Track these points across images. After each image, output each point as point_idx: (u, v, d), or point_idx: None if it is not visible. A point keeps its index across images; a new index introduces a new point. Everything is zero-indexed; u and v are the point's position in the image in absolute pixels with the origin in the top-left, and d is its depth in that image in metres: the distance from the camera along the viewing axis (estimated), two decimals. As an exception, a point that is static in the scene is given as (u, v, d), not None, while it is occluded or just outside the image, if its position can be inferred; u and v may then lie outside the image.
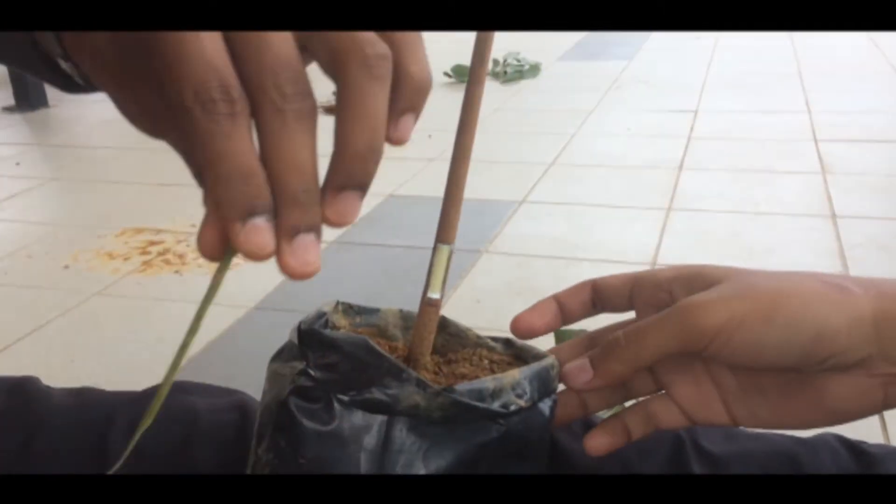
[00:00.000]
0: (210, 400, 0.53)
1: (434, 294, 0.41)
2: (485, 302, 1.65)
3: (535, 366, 0.40)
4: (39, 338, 1.61)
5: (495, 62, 3.83)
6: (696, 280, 0.39)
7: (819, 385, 0.37)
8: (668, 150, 2.60)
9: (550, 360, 0.41)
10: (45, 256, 1.99)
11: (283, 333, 0.41)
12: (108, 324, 1.65)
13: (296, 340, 0.40)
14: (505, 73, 3.76)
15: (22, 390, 0.52)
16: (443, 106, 3.55)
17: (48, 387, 0.55)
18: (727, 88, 3.38)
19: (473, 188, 2.30)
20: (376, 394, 0.36)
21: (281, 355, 0.41)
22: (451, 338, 0.45)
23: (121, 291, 1.80)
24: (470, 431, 0.37)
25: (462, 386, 0.36)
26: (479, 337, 0.45)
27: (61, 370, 1.48)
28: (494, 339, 0.45)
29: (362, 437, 0.36)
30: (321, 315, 0.41)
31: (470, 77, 0.40)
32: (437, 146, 2.71)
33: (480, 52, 0.38)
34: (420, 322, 0.41)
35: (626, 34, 4.48)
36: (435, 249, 0.41)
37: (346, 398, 0.36)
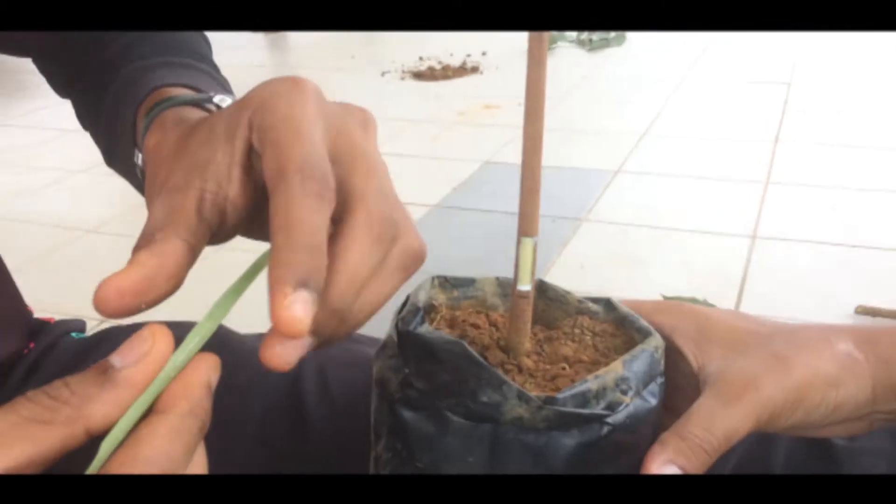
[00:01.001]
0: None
1: (524, 286, 0.40)
2: (588, 268, 1.63)
3: (637, 354, 0.39)
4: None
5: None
6: (702, 333, 0.42)
7: (813, 430, 0.41)
8: (762, 122, 2.50)
9: (655, 340, 0.40)
10: None
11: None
12: (232, 274, 1.72)
13: (395, 338, 0.40)
14: (591, 40, 3.68)
15: (215, 333, 0.59)
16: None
17: (238, 332, 0.62)
18: (823, 58, 3.21)
19: (567, 157, 2.28)
20: (480, 405, 0.36)
21: (384, 351, 0.41)
22: (551, 303, 0.44)
23: (239, 246, 1.88)
24: (576, 433, 0.36)
25: (564, 393, 0.36)
26: (579, 301, 0.44)
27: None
28: (594, 300, 0.44)
29: (471, 443, 0.36)
30: (417, 310, 0.41)
31: (529, 60, 0.38)
32: (528, 115, 2.68)
33: (538, 36, 0.36)
34: (514, 314, 0.41)
35: None
36: (519, 243, 0.40)
37: (451, 407, 0.36)
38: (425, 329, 0.39)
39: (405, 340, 0.39)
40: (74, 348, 0.61)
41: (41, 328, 0.63)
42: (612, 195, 2.01)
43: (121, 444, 0.27)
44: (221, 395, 0.55)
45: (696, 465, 0.37)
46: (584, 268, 1.63)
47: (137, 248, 0.31)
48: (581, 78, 3.17)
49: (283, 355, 0.29)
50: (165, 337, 0.28)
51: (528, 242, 0.39)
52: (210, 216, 0.34)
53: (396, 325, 0.40)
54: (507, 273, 0.43)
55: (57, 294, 1.53)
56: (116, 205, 2.09)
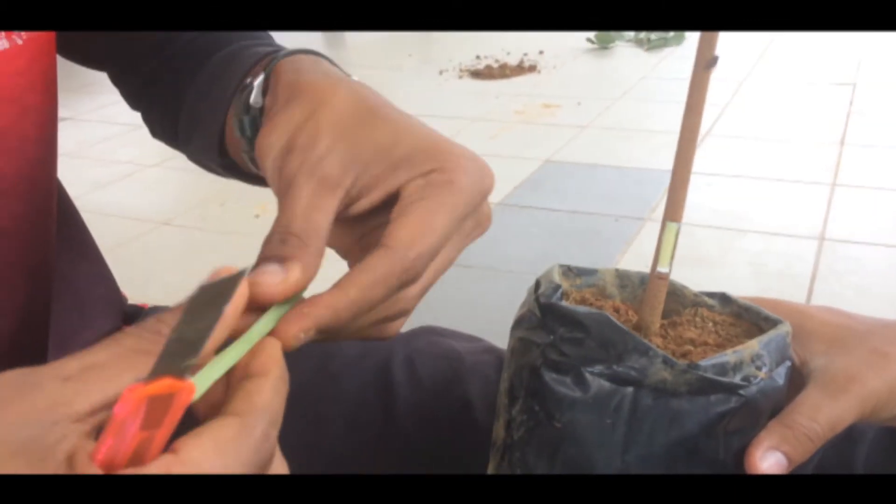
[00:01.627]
0: (463, 343, 0.60)
1: (663, 268, 0.43)
2: (652, 268, 1.64)
3: (772, 335, 0.41)
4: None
5: (640, 27, 3.73)
6: (803, 329, 0.43)
7: None
8: (827, 123, 2.47)
9: (786, 326, 0.42)
10: (236, 205, 2.11)
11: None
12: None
13: (537, 312, 0.43)
14: (649, 39, 3.66)
15: None
16: (587, 73, 3.50)
17: None
18: (889, 58, 3.15)
19: (628, 156, 2.29)
20: (624, 368, 0.39)
21: (521, 324, 0.44)
22: (668, 296, 0.47)
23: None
24: (711, 402, 0.39)
25: (706, 361, 0.38)
26: (695, 294, 0.46)
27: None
28: (710, 294, 0.46)
29: (612, 404, 0.39)
30: (556, 287, 0.44)
31: (697, 59, 0.41)
32: (586, 114, 2.69)
33: (708, 38, 0.39)
34: (650, 293, 0.43)
35: None
36: (663, 227, 0.42)
37: (595, 371, 0.39)
38: (568, 304, 0.42)
39: (549, 312, 0.42)
40: None
41: (136, 313, 0.66)
42: (675, 195, 2.00)
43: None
44: (315, 381, 0.59)
45: (799, 452, 0.39)
46: (648, 267, 1.64)
47: (284, 246, 0.35)
48: (639, 77, 3.16)
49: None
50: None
51: (672, 227, 0.41)
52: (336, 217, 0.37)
53: (537, 300, 0.43)
54: None
55: (133, 284, 1.59)
56: (187, 198, 2.15)
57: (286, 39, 0.60)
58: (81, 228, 0.61)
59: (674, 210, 0.42)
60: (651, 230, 1.81)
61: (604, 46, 3.66)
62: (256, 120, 0.45)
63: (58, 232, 0.53)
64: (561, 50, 3.65)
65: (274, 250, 0.34)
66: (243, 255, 1.86)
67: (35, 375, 0.26)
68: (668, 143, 2.38)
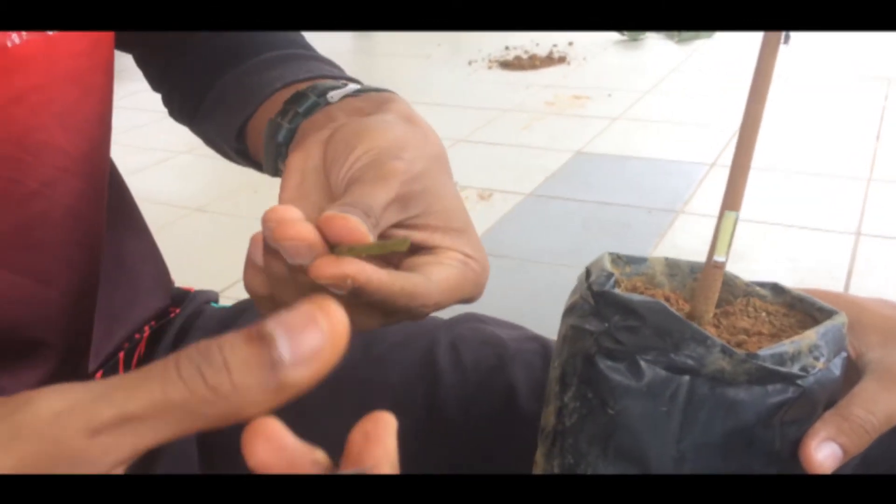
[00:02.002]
0: (506, 330, 0.60)
1: (720, 257, 0.43)
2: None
3: (829, 325, 0.41)
4: None
5: (672, 19, 3.70)
6: (858, 322, 0.43)
7: None
8: (862, 118, 2.44)
9: (842, 317, 0.42)
10: (269, 192, 2.13)
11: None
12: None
13: (590, 300, 0.43)
14: (679, 32, 3.63)
15: None
16: (617, 65, 3.49)
17: None
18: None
19: (660, 148, 2.27)
20: (681, 357, 0.39)
21: (573, 311, 0.44)
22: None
23: None
24: (769, 392, 0.39)
25: (764, 351, 0.38)
26: (746, 284, 0.46)
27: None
28: (761, 284, 0.46)
29: (667, 393, 0.39)
30: (609, 275, 0.44)
31: (762, 47, 0.40)
32: (617, 105, 2.68)
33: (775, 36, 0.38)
34: (705, 282, 0.43)
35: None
36: (721, 216, 0.42)
37: (650, 359, 0.39)
38: (621, 292, 0.42)
39: (603, 300, 0.42)
40: (217, 317, 0.65)
41: (183, 296, 0.67)
42: (708, 188, 1.99)
43: None
44: (361, 364, 0.59)
45: (855, 444, 0.39)
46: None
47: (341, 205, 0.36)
48: (670, 70, 3.14)
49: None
50: (341, 323, 0.22)
51: (730, 216, 0.41)
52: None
53: (590, 288, 0.43)
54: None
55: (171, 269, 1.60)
56: (220, 185, 2.17)
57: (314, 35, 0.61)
58: (132, 207, 0.62)
59: (733, 198, 0.42)
60: (684, 223, 1.80)
61: (634, 39, 3.63)
62: (281, 158, 0.48)
63: (110, 209, 0.54)
64: (591, 42, 3.62)
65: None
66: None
67: (60, 424, 0.21)
68: (701, 135, 2.36)
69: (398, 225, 0.39)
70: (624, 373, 0.40)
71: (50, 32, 0.44)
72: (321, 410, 0.47)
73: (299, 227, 0.33)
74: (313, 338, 0.21)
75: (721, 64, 3.22)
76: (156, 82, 0.64)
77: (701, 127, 2.46)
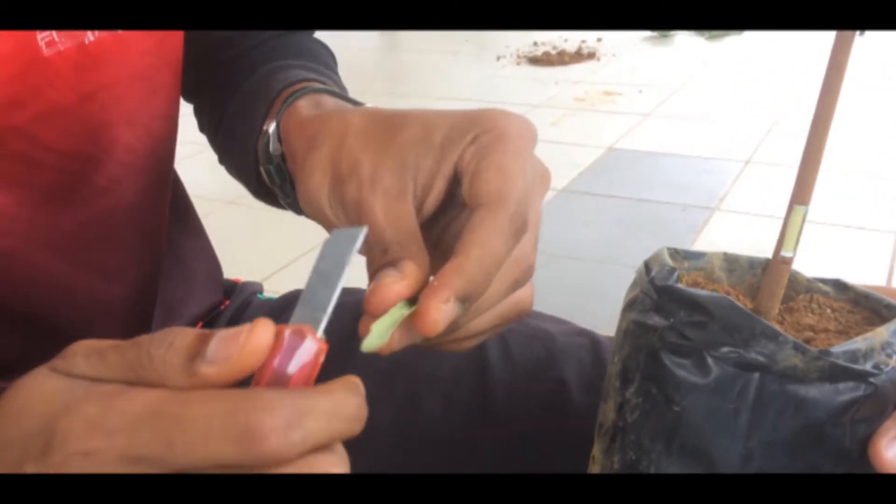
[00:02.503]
0: (553, 325, 0.60)
1: (788, 252, 0.42)
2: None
3: None
4: (311, 260, 1.77)
5: (702, 14, 3.67)
6: None
7: None
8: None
9: None
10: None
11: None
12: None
13: (652, 294, 0.42)
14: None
15: None
16: (647, 61, 3.46)
17: None
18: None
19: (693, 145, 2.25)
20: (751, 353, 0.38)
21: (634, 306, 0.44)
22: None
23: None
24: (839, 389, 0.38)
25: (837, 348, 0.37)
26: (808, 280, 0.45)
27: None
28: (823, 280, 0.45)
29: (735, 389, 0.38)
30: (672, 269, 0.43)
31: (836, 40, 0.40)
32: (649, 101, 2.66)
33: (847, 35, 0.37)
34: (771, 278, 0.42)
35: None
36: (790, 210, 0.41)
37: (718, 355, 0.38)
38: (686, 288, 0.41)
39: (667, 295, 0.41)
40: (265, 309, 0.65)
41: (232, 288, 0.67)
42: (743, 185, 1.97)
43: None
44: (411, 357, 0.59)
45: None
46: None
47: (388, 255, 0.34)
48: (701, 65, 3.11)
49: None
50: (260, 341, 0.25)
51: (799, 210, 0.40)
52: None
53: (652, 282, 0.43)
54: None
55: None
56: (251, 179, 2.18)
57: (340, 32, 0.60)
58: (187, 202, 0.62)
59: (803, 192, 0.41)
60: (720, 220, 1.78)
61: (663, 35, 3.60)
62: (281, 167, 0.45)
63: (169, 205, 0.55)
64: (620, 38, 3.60)
65: (380, 261, 0.34)
66: (309, 236, 1.89)
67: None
68: (734, 132, 2.34)
69: (423, 212, 0.38)
70: (690, 369, 0.39)
71: (119, 31, 0.45)
72: (372, 402, 0.47)
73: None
74: (230, 348, 0.25)
75: (752, 61, 3.18)
76: (186, 93, 0.63)
77: (734, 124, 2.43)
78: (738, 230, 1.73)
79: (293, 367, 0.25)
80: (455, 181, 0.37)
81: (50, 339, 0.49)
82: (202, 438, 0.23)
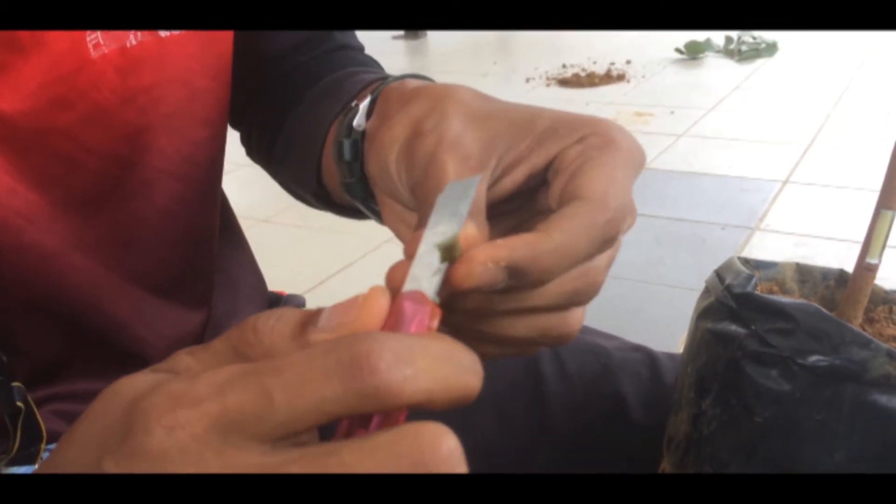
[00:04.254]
0: (606, 340, 0.58)
1: (873, 259, 0.40)
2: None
3: None
4: (347, 276, 1.78)
5: (728, 40, 3.66)
6: None
7: None
8: None
9: None
10: None
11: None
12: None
13: (729, 302, 0.41)
14: (740, 51, 3.58)
15: None
16: (677, 82, 3.44)
17: None
18: None
19: (728, 165, 2.23)
20: (840, 361, 0.36)
21: (708, 315, 0.42)
22: None
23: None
24: (935, 399, 0.36)
25: (934, 356, 0.36)
26: (885, 291, 0.44)
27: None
28: None
29: (822, 399, 0.37)
30: (749, 277, 0.42)
31: None
32: (681, 123, 2.65)
33: None
34: (855, 286, 0.41)
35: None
36: (876, 215, 0.40)
37: (806, 364, 0.37)
38: (768, 296, 0.40)
39: (746, 302, 0.40)
40: None
41: (277, 300, 0.66)
42: (783, 205, 1.95)
43: None
44: None
45: None
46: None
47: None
48: (733, 87, 3.09)
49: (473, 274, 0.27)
50: (377, 306, 0.23)
51: (886, 215, 0.39)
52: None
53: (729, 290, 0.41)
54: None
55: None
56: (285, 197, 2.18)
57: (369, 45, 0.59)
58: (231, 216, 0.62)
59: (889, 196, 0.40)
60: (761, 239, 1.76)
61: (693, 57, 3.58)
62: (357, 143, 0.42)
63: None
64: (649, 60, 3.59)
65: None
66: (343, 252, 1.88)
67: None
68: (769, 152, 2.31)
69: (493, 192, 0.34)
70: (774, 378, 0.38)
71: (162, 34, 0.44)
72: (424, 418, 0.46)
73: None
74: (345, 314, 0.23)
75: (784, 82, 3.16)
76: (233, 118, 0.61)
77: (770, 144, 2.41)
78: (780, 249, 1.71)
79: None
80: (537, 179, 0.34)
81: (92, 342, 0.48)
82: (303, 380, 0.20)
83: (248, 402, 0.20)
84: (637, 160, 0.33)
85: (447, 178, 0.32)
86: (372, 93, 0.42)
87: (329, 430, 0.22)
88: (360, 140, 0.42)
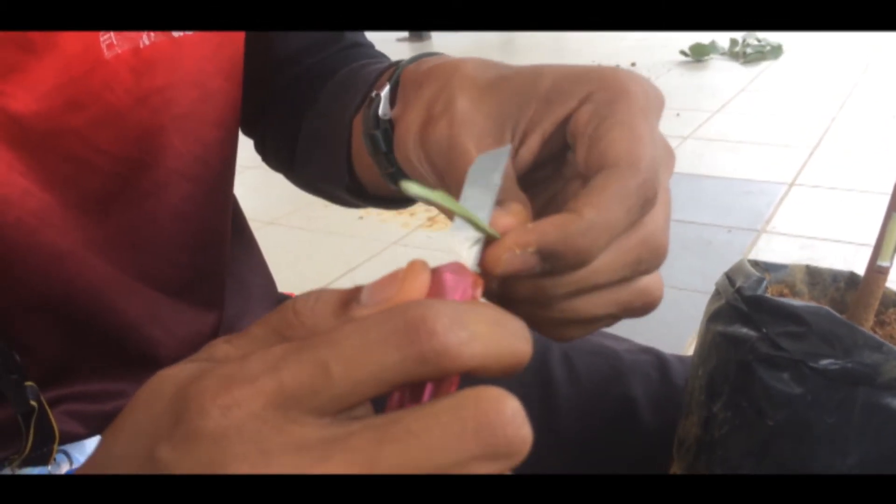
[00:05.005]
0: (615, 342, 0.58)
1: (884, 262, 0.40)
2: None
3: None
4: (353, 278, 1.78)
5: (733, 42, 3.66)
6: None
7: None
8: None
9: None
10: (340, 207, 2.15)
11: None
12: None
13: (740, 305, 0.41)
14: (745, 53, 3.58)
15: None
16: (682, 85, 3.44)
17: None
18: None
19: (734, 168, 2.23)
20: (852, 365, 0.36)
21: (719, 317, 0.42)
22: None
23: (414, 243, 1.95)
24: (947, 403, 0.36)
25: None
26: None
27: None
28: None
29: (834, 402, 0.37)
30: (760, 280, 0.42)
31: None
32: (686, 125, 2.64)
33: None
34: (866, 288, 0.41)
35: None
36: (888, 218, 0.40)
37: (818, 367, 0.37)
38: (781, 299, 0.40)
39: (757, 305, 0.40)
40: None
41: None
42: (789, 207, 1.94)
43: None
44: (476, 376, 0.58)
45: None
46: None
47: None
48: (738, 90, 3.08)
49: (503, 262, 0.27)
50: (418, 279, 0.23)
51: (898, 217, 0.39)
52: None
53: (740, 293, 0.41)
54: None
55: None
56: (291, 199, 2.19)
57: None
58: (241, 218, 0.62)
59: (902, 200, 0.39)
60: (767, 242, 1.76)
61: (698, 60, 3.58)
62: (388, 132, 0.41)
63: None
64: (654, 62, 3.59)
65: None
66: (349, 255, 1.87)
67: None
68: (774, 155, 2.31)
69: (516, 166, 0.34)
70: (786, 381, 0.38)
71: (175, 35, 0.44)
72: None
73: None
74: (387, 289, 0.22)
75: (790, 84, 3.15)
76: (246, 127, 0.60)
77: (775, 147, 2.40)
78: (787, 252, 1.71)
79: None
80: (556, 145, 0.33)
81: (104, 343, 0.48)
82: (359, 350, 0.20)
83: (304, 375, 0.20)
84: (654, 102, 0.31)
85: (471, 160, 0.31)
86: (389, 79, 0.42)
87: (378, 408, 0.22)
88: (389, 129, 0.41)
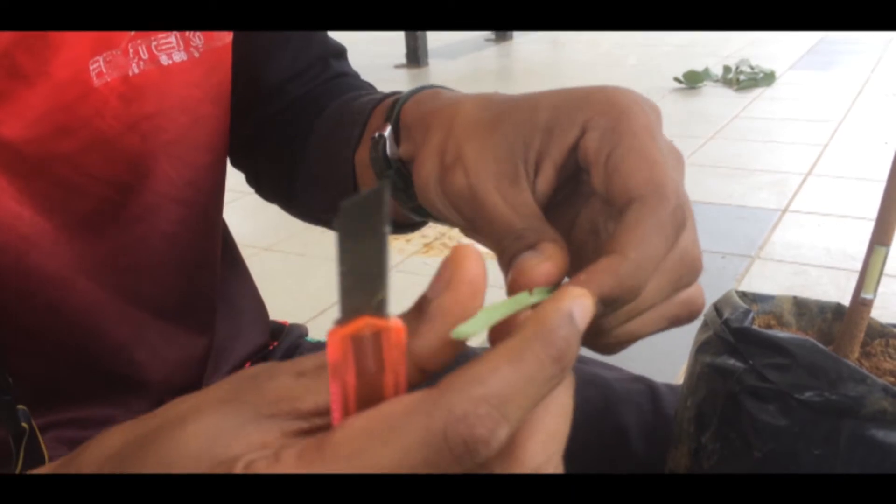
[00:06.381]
0: (607, 371, 0.58)
1: (868, 294, 0.41)
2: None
3: None
4: None
5: (726, 69, 3.70)
6: None
7: None
8: None
9: None
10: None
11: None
12: (406, 297, 1.75)
13: (727, 337, 0.41)
14: (738, 80, 3.61)
15: None
16: (676, 111, 3.46)
17: None
18: None
19: (728, 194, 2.24)
20: (837, 397, 0.37)
21: (706, 349, 0.43)
22: None
23: (409, 269, 1.95)
24: (931, 434, 0.37)
25: (929, 391, 0.36)
26: (882, 325, 0.44)
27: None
28: None
29: (820, 434, 0.37)
30: (747, 311, 0.43)
31: None
32: (680, 151, 2.66)
33: None
34: (850, 320, 0.41)
35: (862, 42, 4.17)
36: (871, 251, 0.41)
37: (804, 398, 0.37)
38: (765, 330, 0.41)
39: (744, 337, 0.41)
40: (315, 352, 0.64)
41: (280, 329, 0.67)
42: (782, 234, 1.96)
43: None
44: None
45: None
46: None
47: (523, 241, 0.31)
48: (731, 117, 3.11)
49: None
50: (472, 258, 0.24)
51: (880, 251, 0.40)
52: None
53: (727, 325, 0.42)
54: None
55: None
56: (288, 225, 2.20)
57: (364, 73, 0.60)
58: (231, 243, 0.62)
59: (883, 233, 0.40)
60: (761, 268, 1.76)
61: (692, 86, 3.62)
62: (402, 170, 0.42)
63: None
64: (647, 88, 3.62)
65: (515, 247, 0.31)
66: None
67: (273, 369, 0.25)
68: (768, 182, 2.33)
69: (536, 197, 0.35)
70: (773, 413, 0.38)
71: (164, 63, 0.45)
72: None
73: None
74: (444, 273, 0.24)
75: (783, 111, 3.18)
76: (236, 158, 0.60)
77: (768, 173, 2.42)
78: (780, 278, 1.72)
79: (379, 365, 0.23)
80: (570, 169, 0.34)
81: (93, 366, 0.49)
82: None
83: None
84: (653, 116, 0.32)
85: (500, 206, 0.33)
86: (388, 116, 0.43)
87: None
88: (401, 167, 0.42)
